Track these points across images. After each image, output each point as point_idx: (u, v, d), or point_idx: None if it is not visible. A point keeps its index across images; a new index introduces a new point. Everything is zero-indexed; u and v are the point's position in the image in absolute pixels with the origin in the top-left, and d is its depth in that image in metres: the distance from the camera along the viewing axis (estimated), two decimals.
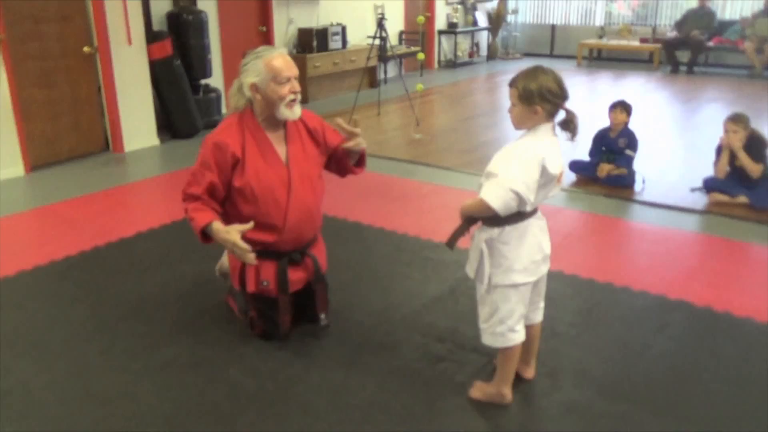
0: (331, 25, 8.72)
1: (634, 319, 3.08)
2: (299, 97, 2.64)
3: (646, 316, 3.10)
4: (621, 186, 4.97)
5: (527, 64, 10.94)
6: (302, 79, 8.35)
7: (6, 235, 4.15)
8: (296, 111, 2.64)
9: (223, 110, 7.57)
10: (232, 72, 7.90)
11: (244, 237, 2.70)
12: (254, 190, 2.62)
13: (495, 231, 2.27)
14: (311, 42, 8.41)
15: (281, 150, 2.70)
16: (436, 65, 11.56)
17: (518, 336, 2.36)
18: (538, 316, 2.52)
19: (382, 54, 9.46)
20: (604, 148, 5.15)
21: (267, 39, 8.32)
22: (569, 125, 2.24)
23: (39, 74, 5.52)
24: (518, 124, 2.26)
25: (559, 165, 2.24)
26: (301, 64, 8.36)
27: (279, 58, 2.59)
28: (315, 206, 2.82)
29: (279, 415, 2.42)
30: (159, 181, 5.37)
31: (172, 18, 6.80)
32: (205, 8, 7.30)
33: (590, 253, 3.85)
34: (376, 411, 2.44)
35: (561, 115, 2.24)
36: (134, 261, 3.74)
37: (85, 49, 5.81)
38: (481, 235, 2.31)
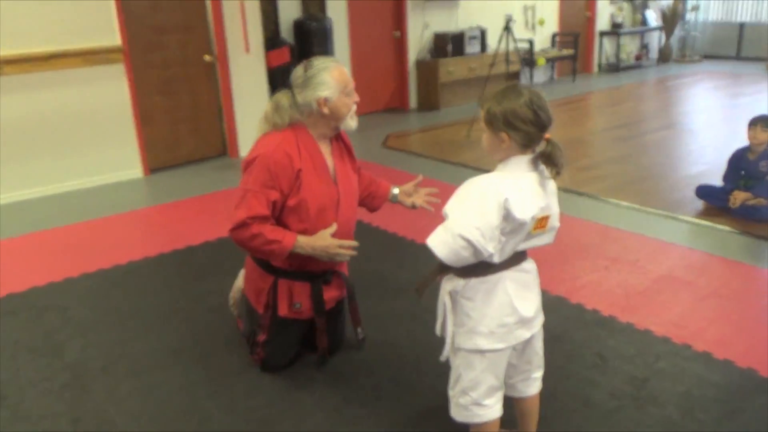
0: (470, 28, 8.35)
1: (700, 397, 2.43)
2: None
3: (716, 395, 2.44)
4: (758, 220, 4.08)
5: (707, 68, 9.86)
6: (434, 85, 8.15)
7: (99, 235, 4.39)
8: (356, 122, 2.53)
9: None
10: (362, 78, 7.86)
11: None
12: (309, 208, 2.44)
13: (460, 283, 1.87)
14: (446, 46, 8.11)
15: (330, 165, 2.53)
16: (595, 69, 10.66)
17: (488, 413, 1.92)
18: (531, 389, 2.05)
19: (529, 58, 8.92)
20: (742, 172, 4.29)
21: (401, 44, 8.18)
22: (549, 159, 1.76)
23: (160, 82, 5.84)
24: (489, 153, 1.85)
25: (536, 208, 1.77)
26: (433, 70, 8.11)
27: (344, 70, 2.45)
28: (354, 224, 2.69)
29: None
30: None
31: (298, 25, 6.90)
32: (336, 14, 7.33)
33: (681, 304, 3.16)
34: None
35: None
36: (184, 272, 3.76)
37: (206, 57, 6.05)
38: (446, 285, 1.91)
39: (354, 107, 2.48)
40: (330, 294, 2.64)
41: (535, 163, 1.79)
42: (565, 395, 2.48)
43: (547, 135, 1.77)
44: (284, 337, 2.65)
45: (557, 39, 9.84)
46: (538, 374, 2.04)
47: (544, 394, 2.11)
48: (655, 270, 3.50)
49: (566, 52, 9.63)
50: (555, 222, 1.87)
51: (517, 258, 1.86)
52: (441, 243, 1.74)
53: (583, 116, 7.57)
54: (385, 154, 6.25)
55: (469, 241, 1.70)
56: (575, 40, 9.72)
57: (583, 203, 4.58)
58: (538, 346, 1.99)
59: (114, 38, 5.41)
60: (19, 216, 4.86)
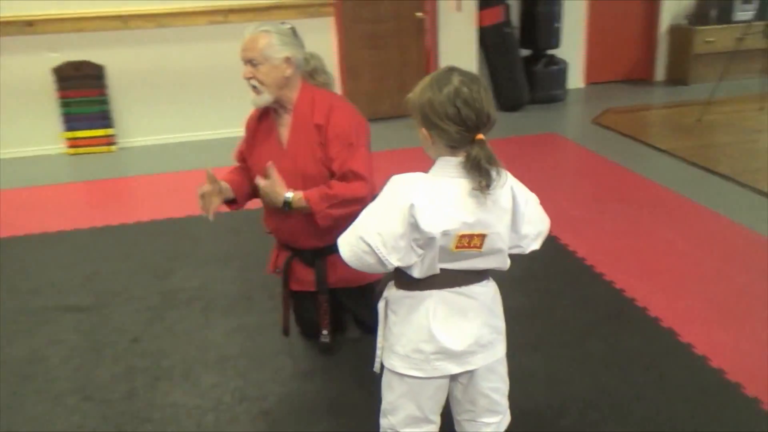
0: None
1: None
2: (256, 84, 2.26)
3: None
4: None
5: None
6: (685, 56, 7.04)
7: None
8: (254, 98, 2.31)
9: (571, 84, 6.94)
10: (599, 43, 7.17)
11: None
12: (254, 171, 2.44)
13: (392, 292, 1.64)
14: (709, 11, 6.92)
15: (285, 135, 2.41)
16: None
17: None
18: None
19: None
20: None
21: (652, 6, 7.19)
22: (475, 166, 1.42)
23: (369, 36, 6.00)
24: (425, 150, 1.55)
25: (455, 222, 1.44)
26: (686, 39, 7.03)
27: (245, 38, 2.28)
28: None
29: None
30: None
31: None
32: None
33: None
34: None
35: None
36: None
37: (417, 14, 6.03)
38: (386, 291, 1.69)
39: (248, 81, 2.27)
40: (310, 277, 2.48)
41: (466, 168, 1.46)
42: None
43: (479, 135, 1.43)
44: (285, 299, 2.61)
45: None
46: (490, 420, 1.71)
47: None
48: None
49: None
50: (500, 244, 1.52)
51: (456, 278, 1.56)
52: (346, 243, 1.53)
53: None
54: (589, 131, 5.65)
55: (370, 247, 1.47)
56: None
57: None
58: (487, 387, 1.66)
59: None
60: (194, 154, 5.38)
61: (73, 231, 3.87)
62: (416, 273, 1.53)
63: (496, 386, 1.68)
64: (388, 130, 5.85)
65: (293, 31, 2.35)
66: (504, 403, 1.72)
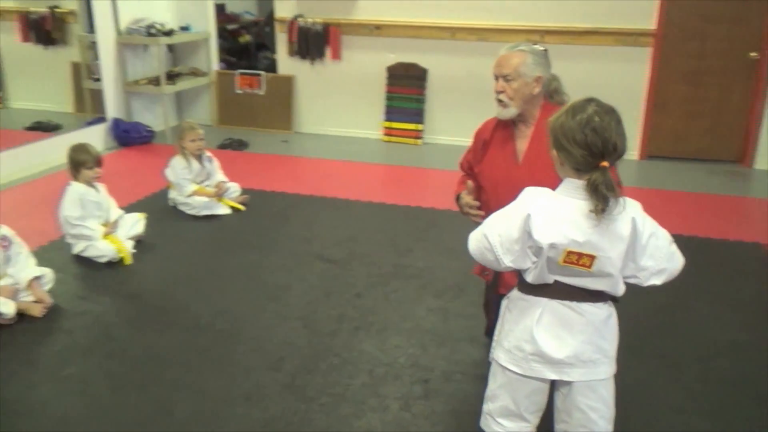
0: None
1: None
2: (504, 98, 2.43)
3: None
4: None
5: None
6: None
7: None
8: (499, 111, 2.47)
9: None
10: None
11: None
12: (483, 179, 2.64)
13: (514, 293, 1.79)
14: None
15: (522, 148, 2.58)
16: None
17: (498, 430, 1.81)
18: None
19: None
20: None
21: None
22: (593, 190, 1.49)
23: (688, 72, 5.67)
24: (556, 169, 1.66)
25: (564, 238, 1.54)
26: None
27: (500, 55, 2.46)
28: None
29: None
30: None
31: None
32: None
33: None
34: None
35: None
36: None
37: (751, 54, 5.51)
38: (510, 292, 1.84)
39: (497, 95, 2.44)
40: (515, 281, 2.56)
41: (588, 191, 1.54)
42: None
43: (603, 162, 1.50)
44: (486, 300, 2.77)
45: None
46: None
47: None
48: None
49: None
50: (610, 268, 1.56)
51: (568, 292, 1.65)
52: (474, 239, 1.75)
53: None
54: None
55: (490, 245, 1.66)
56: None
57: None
58: (584, 404, 1.70)
59: (649, 22, 5.55)
60: None
61: (354, 201, 4.59)
62: (529, 278, 1.67)
63: (594, 405, 1.72)
64: (688, 171, 5.51)
65: (545, 53, 2.54)
66: (602, 425, 1.74)
